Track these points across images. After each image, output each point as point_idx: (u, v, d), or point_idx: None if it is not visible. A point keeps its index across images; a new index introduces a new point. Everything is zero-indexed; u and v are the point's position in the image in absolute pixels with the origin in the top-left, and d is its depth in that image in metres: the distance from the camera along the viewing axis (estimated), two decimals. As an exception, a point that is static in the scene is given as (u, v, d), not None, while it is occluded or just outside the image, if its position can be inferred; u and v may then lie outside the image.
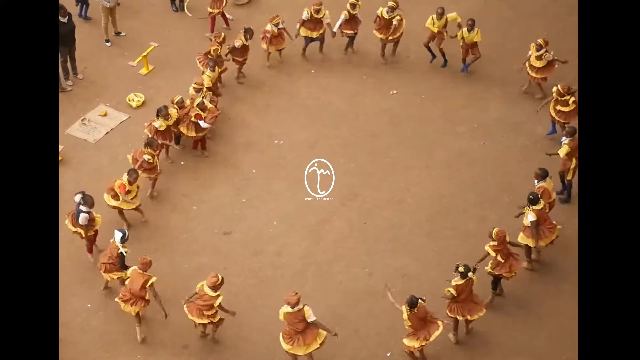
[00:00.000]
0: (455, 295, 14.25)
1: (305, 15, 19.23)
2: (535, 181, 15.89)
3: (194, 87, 17.67)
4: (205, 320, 14.29)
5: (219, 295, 14.05)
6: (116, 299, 14.58)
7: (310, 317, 13.81)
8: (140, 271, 14.29)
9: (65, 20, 18.45)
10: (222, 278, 14.14)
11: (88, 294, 15.48)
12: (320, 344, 14.01)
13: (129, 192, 15.93)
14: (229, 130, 18.41)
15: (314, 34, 19.50)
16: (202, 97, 17.44)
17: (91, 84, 19.38)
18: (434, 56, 19.68)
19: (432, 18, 19.06)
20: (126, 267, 14.79)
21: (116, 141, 18.17)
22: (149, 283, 14.26)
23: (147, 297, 14.41)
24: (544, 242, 15.42)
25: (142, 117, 18.54)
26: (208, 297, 14.05)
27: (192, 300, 14.26)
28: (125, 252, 14.79)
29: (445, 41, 19.27)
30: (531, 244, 15.36)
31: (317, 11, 19.21)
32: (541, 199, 15.29)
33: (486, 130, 18.48)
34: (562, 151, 16.37)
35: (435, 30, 19.13)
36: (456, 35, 19.05)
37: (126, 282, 14.49)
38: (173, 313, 14.72)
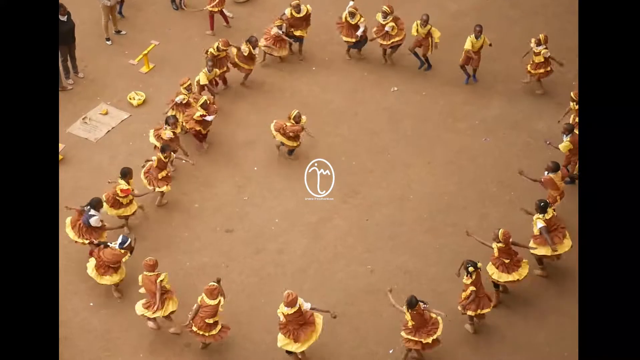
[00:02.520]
0: (476, 291, 14.29)
1: (287, 12, 19.33)
2: (546, 172, 15.90)
3: (183, 87, 17.65)
4: (209, 333, 14.18)
5: (219, 301, 14.06)
6: (143, 309, 14.56)
7: (305, 305, 13.89)
8: (149, 273, 14.30)
9: (64, 19, 18.46)
10: (218, 284, 14.14)
11: (90, 293, 15.47)
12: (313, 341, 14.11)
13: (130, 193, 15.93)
14: (230, 129, 18.43)
15: (297, 33, 19.53)
16: (205, 97, 17.57)
17: (92, 82, 19.40)
18: (422, 63, 19.58)
19: (417, 24, 18.94)
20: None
21: (117, 140, 18.19)
22: (159, 279, 14.25)
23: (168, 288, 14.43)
24: (562, 249, 15.30)
25: (143, 115, 18.59)
26: (210, 307, 14.00)
27: (193, 319, 14.18)
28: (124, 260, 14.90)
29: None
30: (548, 252, 15.24)
31: (298, 10, 19.19)
32: (550, 207, 15.24)
33: (487, 127, 18.48)
34: (564, 147, 16.39)
35: (417, 35, 18.99)
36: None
37: (140, 291, 14.54)
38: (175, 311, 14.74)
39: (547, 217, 15.10)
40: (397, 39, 19.21)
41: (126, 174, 15.82)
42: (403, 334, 14.07)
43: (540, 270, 15.65)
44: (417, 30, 18.98)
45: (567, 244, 15.31)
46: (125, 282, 15.25)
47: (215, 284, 14.09)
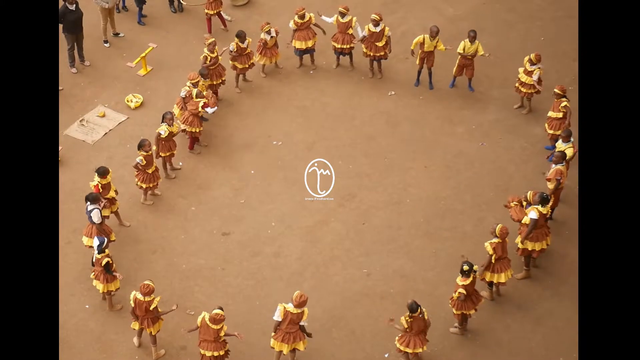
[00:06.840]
0: (466, 295, 14.34)
1: (290, 25, 19.10)
2: (553, 165, 15.89)
3: (191, 82, 17.65)
4: (222, 352, 14.09)
5: (222, 327, 13.95)
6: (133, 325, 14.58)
7: (303, 322, 13.96)
8: (141, 297, 14.12)
9: (73, 7, 18.70)
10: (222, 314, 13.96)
11: (86, 295, 15.47)
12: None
13: (104, 188, 15.73)
14: (227, 132, 18.44)
15: (306, 44, 19.37)
16: (195, 88, 17.52)
17: (90, 84, 19.41)
18: (418, 81, 19.39)
19: (425, 37, 18.58)
20: (112, 273, 14.76)
21: (114, 142, 18.19)
22: (152, 307, 14.13)
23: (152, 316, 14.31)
24: (538, 247, 15.38)
25: (141, 118, 18.59)
26: (213, 330, 13.86)
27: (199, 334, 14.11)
28: (110, 262, 14.71)
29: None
30: (519, 242, 15.36)
31: (302, 16, 19.11)
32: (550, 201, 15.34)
33: (484, 132, 18.49)
34: (569, 155, 16.26)
35: (426, 49, 18.64)
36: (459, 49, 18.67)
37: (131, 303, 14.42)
38: (170, 314, 14.72)
39: (544, 212, 15.16)
40: (386, 50, 19.08)
41: (103, 173, 15.72)
42: (397, 342, 14.13)
43: (525, 271, 15.67)
44: (424, 44, 18.57)
45: (546, 242, 15.46)
46: (123, 284, 15.26)
47: (221, 312, 13.84)
